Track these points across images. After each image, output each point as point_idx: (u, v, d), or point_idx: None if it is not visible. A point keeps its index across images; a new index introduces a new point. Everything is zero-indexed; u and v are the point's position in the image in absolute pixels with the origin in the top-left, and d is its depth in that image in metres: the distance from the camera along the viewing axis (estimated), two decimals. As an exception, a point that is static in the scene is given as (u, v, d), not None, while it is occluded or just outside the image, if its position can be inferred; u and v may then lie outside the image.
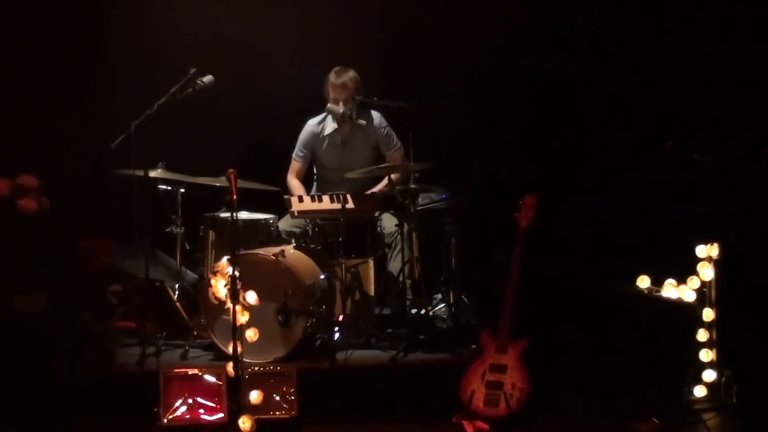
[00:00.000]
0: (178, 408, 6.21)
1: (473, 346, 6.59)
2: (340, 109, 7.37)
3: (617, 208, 7.52)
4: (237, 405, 5.96)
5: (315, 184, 7.79)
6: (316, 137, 7.63)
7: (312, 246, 7.05)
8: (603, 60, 7.67)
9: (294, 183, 7.66)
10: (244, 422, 5.85)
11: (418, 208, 7.10)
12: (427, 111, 7.13)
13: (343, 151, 7.60)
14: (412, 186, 7.06)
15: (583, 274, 7.13)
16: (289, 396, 6.25)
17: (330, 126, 7.60)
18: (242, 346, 5.90)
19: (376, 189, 7.43)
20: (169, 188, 7.17)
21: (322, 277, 6.82)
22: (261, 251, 6.76)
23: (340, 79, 7.38)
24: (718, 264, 6.47)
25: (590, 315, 7.07)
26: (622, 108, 7.66)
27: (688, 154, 6.57)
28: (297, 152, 7.69)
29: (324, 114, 7.58)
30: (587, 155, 7.66)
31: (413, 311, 7.14)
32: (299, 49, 7.94)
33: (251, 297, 5.97)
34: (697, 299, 6.49)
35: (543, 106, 7.77)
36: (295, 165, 7.69)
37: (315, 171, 7.78)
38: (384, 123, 7.58)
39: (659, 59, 7.62)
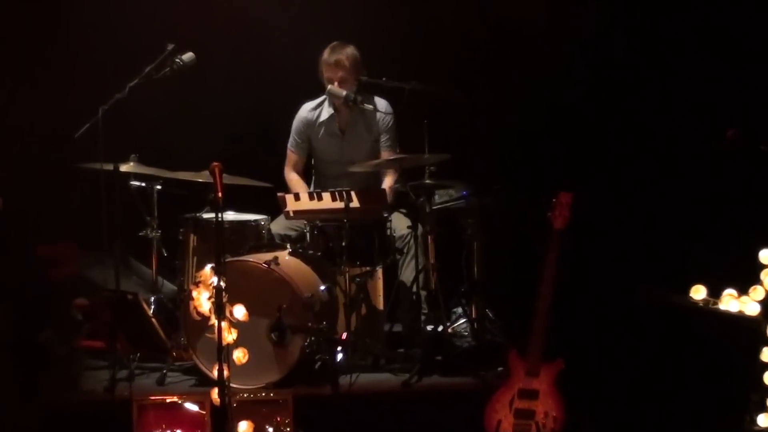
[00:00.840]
0: (154, 442, 6.21)
1: (499, 369, 6.58)
2: (343, 92, 7.29)
3: (668, 207, 7.52)
4: (223, 438, 5.96)
5: (313, 179, 7.74)
6: (311, 124, 7.59)
7: (310, 252, 6.98)
8: (656, 38, 7.68)
9: (292, 177, 7.60)
10: (232, 458, 5.81)
11: (435, 208, 7.05)
12: (445, 94, 7.12)
13: (342, 140, 7.54)
14: (428, 182, 7.00)
15: (627, 284, 7.09)
16: (284, 427, 6.25)
17: (327, 111, 7.55)
18: (229, 370, 5.75)
19: (386, 185, 7.37)
20: (143, 185, 7.12)
21: (323, 288, 6.79)
22: (251, 258, 6.73)
23: (333, 56, 7.35)
24: (787, 272, 6.44)
25: (636, 332, 7.03)
26: (677, 91, 7.64)
27: (754, 145, 6.49)
28: (292, 142, 7.64)
29: (321, 97, 7.55)
30: (633, 146, 7.65)
31: (429, 328, 7.13)
32: (298, 23, 7.92)
33: (239, 312, 5.93)
34: (762, 312, 6.31)
35: (581, 89, 7.76)
36: (292, 157, 7.63)
37: (313, 165, 7.74)
38: (390, 112, 7.49)
39: (722, 38, 7.60)
